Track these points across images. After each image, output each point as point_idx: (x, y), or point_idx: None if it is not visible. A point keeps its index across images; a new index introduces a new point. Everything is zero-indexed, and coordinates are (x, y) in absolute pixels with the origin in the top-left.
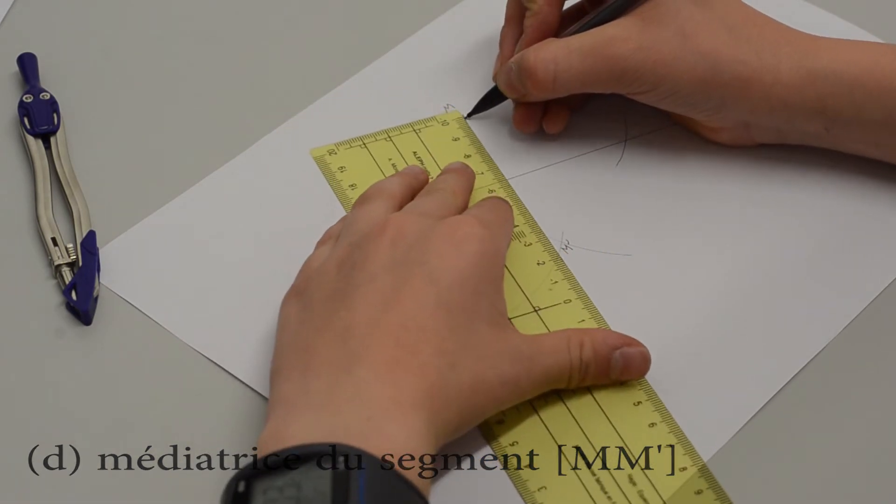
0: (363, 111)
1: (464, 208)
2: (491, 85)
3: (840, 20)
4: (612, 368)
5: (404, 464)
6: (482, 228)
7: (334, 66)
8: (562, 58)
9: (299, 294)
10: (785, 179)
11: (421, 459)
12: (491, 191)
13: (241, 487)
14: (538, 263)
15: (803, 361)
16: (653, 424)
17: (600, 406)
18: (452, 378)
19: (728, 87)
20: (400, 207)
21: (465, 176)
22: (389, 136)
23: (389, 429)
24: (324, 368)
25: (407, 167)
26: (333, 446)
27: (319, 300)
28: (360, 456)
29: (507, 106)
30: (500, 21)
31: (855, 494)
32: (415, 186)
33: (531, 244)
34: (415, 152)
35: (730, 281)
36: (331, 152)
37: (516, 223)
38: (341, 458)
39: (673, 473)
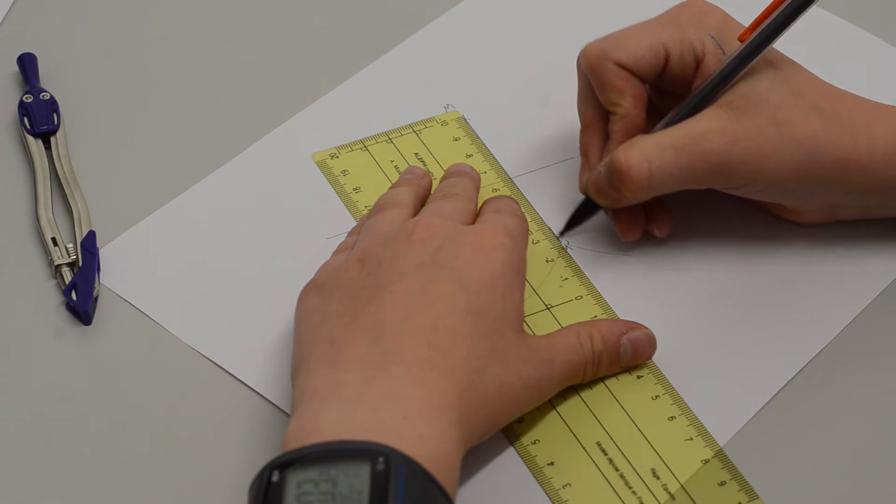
0: (363, 111)
1: (476, 211)
2: (580, 198)
3: (840, 19)
4: (622, 355)
5: (435, 466)
6: (508, 238)
7: (335, 66)
8: (655, 155)
9: (319, 288)
10: None
11: (450, 463)
12: (495, 189)
13: (275, 477)
14: (547, 261)
15: (812, 353)
16: (672, 418)
17: (619, 401)
18: (480, 383)
19: (825, 171)
20: (414, 215)
21: (474, 179)
22: (390, 138)
23: (423, 430)
24: (355, 363)
25: (408, 169)
26: (372, 444)
27: (343, 295)
28: (400, 458)
29: (503, 106)
30: (500, 21)
31: (867, 483)
32: (421, 194)
33: (538, 242)
34: (416, 153)
35: (732, 277)
36: (332, 156)
37: None
38: (381, 458)
39: (695, 466)
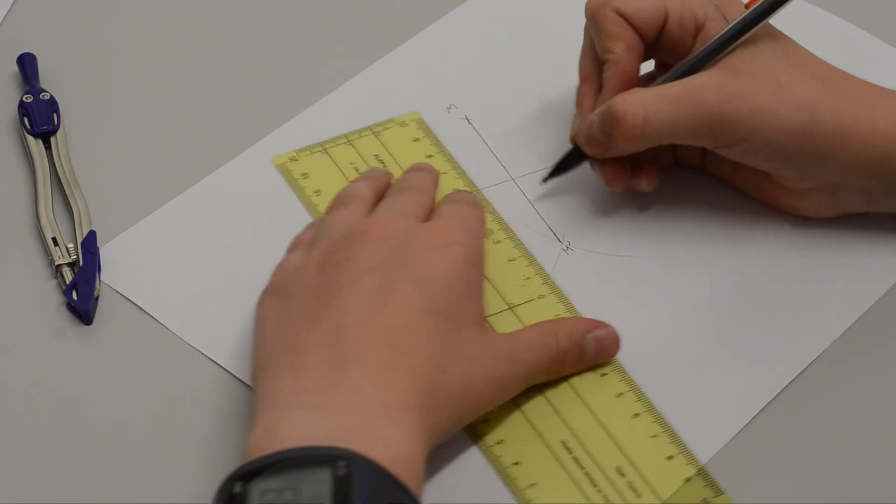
0: (364, 112)
1: (433, 206)
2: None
3: (840, 20)
4: (587, 353)
5: (399, 467)
6: (465, 234)
7: (336, 67)
8: (651, 103)
9: (278, 293)
10: None
11: (415, 463)
12: (456, 190)
13: (238, 489)
14: (509, 260)
15: (803, 364)
16: (636, 415)
17: (583, 400)
18: (442, 381)
19: (826, 138)
20: (372, 210)
21: (432, 175)
22: (349, 140)
23: (384, 431)
24: (316, 368)
25: (369, 169)
26: (333, 449)
27: (302, 299)
28: (361, 460)
29: (505, 107)
30: (503, 22)
31: (854, 496)
32: (380, 190)
33: (500, 241)
34: (376, 155)
35: (730, 283)
36: (292, 159)
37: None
38: (342, 463)
39: (661, 463)
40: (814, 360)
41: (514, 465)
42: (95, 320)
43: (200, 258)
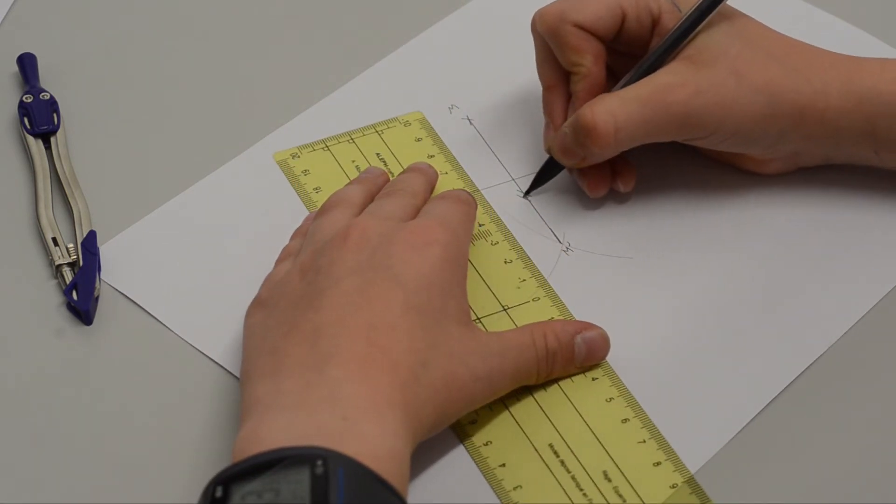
0: (365, 111)
1: (422, 206)
2: (544, 158)
3: (841, 21)
4: (577, 355)
5: (382, 463)
6: (445, 232)
7: (338, 67)
8: (619, 110)
9: (263, 305)
10: (788, 186)
11: (398, 458)
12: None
13: (219, 493)
14: (505, 262)
15: (796, 372)
16: (625, 420)
17: (573, 403)
18: (425, 376)
19: (785, 118)
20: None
21: (426, 174)
22: (352, 138)
23: (365, 428)
24: (295, 369)
25: (366, 169)
26: (311, 449)
27: (285, 306)
28: (338, 458)
29: (510, 104)
30: (506, 24)
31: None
32: (373, 191)
33: (497, 243)
34: (378, 153)
35: (728, 288)
36: (294, 156)
37: (482, 222)
38: (319, 462)
39: (648, 468)
40: (805, 370)
41: (501, 467)
42: (95, 320)
43: (200, 257)
